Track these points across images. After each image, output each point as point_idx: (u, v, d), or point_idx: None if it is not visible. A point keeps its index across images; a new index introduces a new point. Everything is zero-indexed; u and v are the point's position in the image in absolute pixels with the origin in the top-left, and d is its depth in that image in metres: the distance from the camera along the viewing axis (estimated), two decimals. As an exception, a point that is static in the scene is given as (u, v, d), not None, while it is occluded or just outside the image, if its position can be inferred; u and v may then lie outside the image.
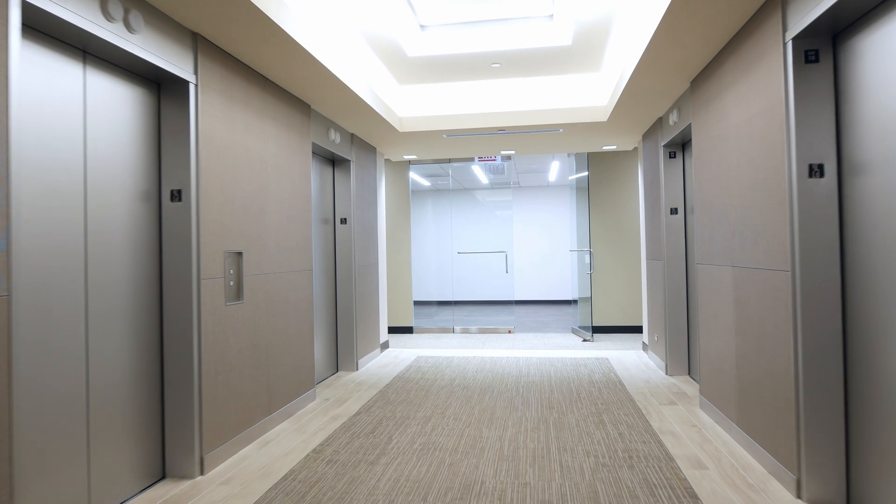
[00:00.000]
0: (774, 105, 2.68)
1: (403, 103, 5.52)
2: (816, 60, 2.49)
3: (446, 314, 9.23)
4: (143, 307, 2.78)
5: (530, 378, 5.04)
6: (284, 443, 3.44)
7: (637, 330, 7.46)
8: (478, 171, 8.92)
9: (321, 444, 3.38)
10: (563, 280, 11.82)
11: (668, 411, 3.96)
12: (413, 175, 8.84)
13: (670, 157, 5.04)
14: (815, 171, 2.48)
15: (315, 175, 5.06)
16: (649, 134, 5.56)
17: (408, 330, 8.02)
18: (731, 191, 3.29)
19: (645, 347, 6.06)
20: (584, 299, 7.50)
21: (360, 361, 5.58)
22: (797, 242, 2.50)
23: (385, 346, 6.62)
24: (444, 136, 5.77)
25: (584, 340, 7.00)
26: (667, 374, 5.05)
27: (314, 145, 4.73)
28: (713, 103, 3.56)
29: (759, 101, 2.85)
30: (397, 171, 8.04)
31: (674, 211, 5.03)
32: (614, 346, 6.62)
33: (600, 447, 3.24)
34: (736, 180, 3.21)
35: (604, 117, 5.22)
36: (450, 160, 7.95)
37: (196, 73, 2.94)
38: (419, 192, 10.61)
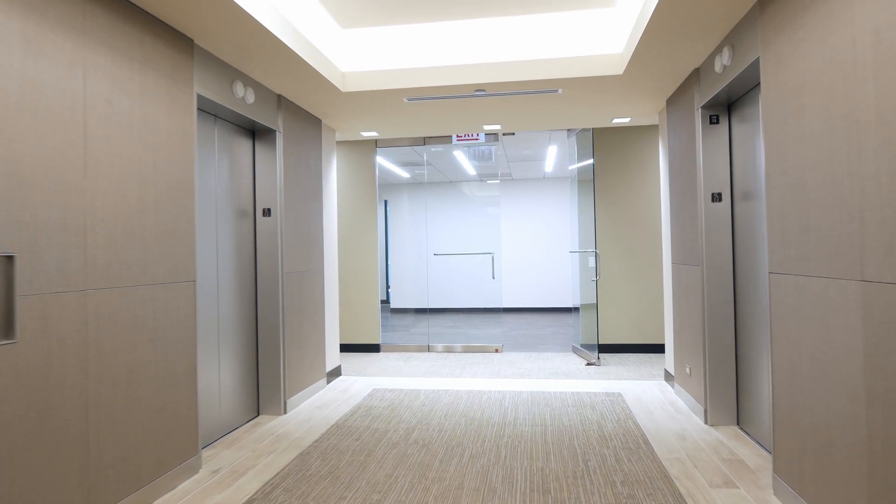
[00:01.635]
0: None
1: (348, 53, 4.11)
2: None
3: (422, 327, 7.81)
4: None
5: (518, 428, 3.63)
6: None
7: (654, 350, 6.06)
8: (461, 158, 7.52)
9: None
10: (561, 285, 10.42)
11: (726, 502, 2.55)
12: (383, 161, 7.43)
13: (712, 122, 3.64)
14: None
15: (219, 147, 3.65)
16: (679, 95, 4.16)
17: (373, 348, 6.61)
18: (859, 149, 1.89)
19: (669, 378, 4.66)
20: (587, 309, 6.10)
21: (290, 401, 4.17)
22: None
23: (335, 373, 5.20)
24: (405, 99, 4.36)
25: (589, 364, 5.59)
26: (707, 422, 3.65)
27: (207, 101, 3.31)
28: (810, 13, 2.16)
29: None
30: (360, 155, 6.63)
31: (716, 197, 3.63)
32: (627, 372, 5.22)
33: None
34: (874, 129, 1.81)
35: (618, 69, 3.82)
36: (424, 141, 6.54)
37: None
38: (396, 184, 9.21)
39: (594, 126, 5.68)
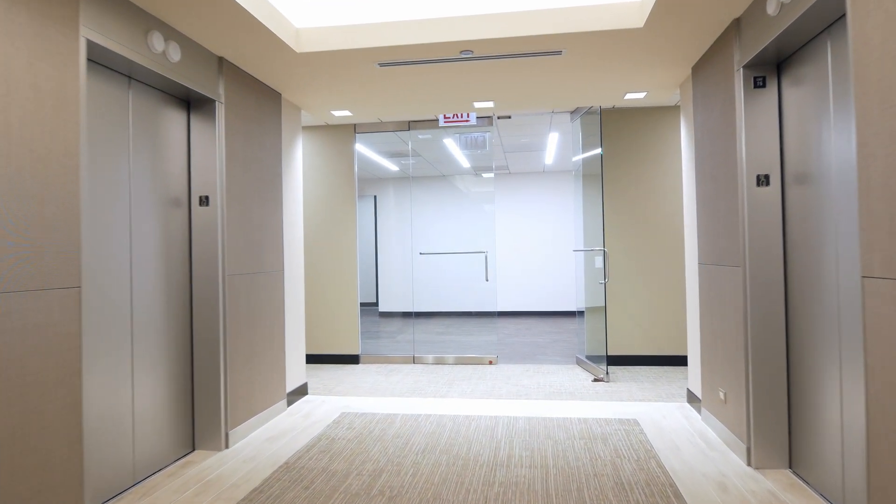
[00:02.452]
0: None
1: (304, 5, 3.35)
2: None
3: (408, 334, 7.07)
4: None
5: (512, 471, 2.88)
6: None
7: (671, 363, 5.31)
8: (452, 146, 6.76)
9: None
10: (563, 288, 9.66)
11: None
12: (365, 150, 6.68)
13: (756, 85, 2.89)
14: None
15: (135, 116, 2.89)
16: (712, 57, 3.40)
17: (352, 360, 5.85)
18: None
19: (693, 400, 3.91)
20: (594, 314, 5.35)
21: (234, 431, 3.41)
22: None
23: (299, 392, 4.45)
24: (377, 65, 3.60)
25: (597, 380, 4.84)
26: (750, 463, 2.90)
27: (109, 54, 2.55)
28: None
29: None
30: (337, 142, 5.88)
31: (762, 181, 2.89)
32: (641, 391, 4.46)
33: None
34: None
35: (637, 21, 3.07)
36: (409, 126, 5.79)
37: None
38: (384, 179, 8.47)
39: (603, 104, 4.94)
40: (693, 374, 3.94)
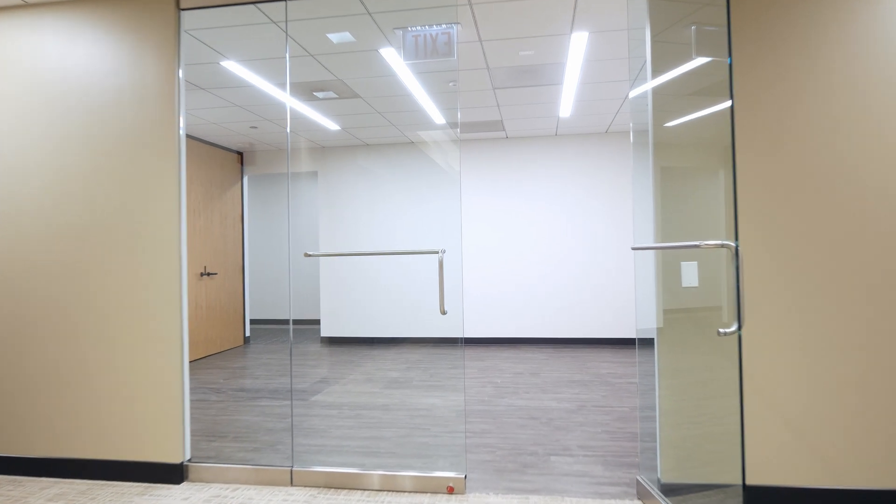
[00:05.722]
0: None
1: None
2: None
3: (307, 402, 4.09)
4: None
5: None
6: None
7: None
8: (391, 55, 3.73)
9: None
10: (592, 300, 6.60)
11: None
12: (200, 42, 3.65)
13: None
14: None
15: None
16: None
17: (168, 476, 2.81)
18: None
19: None
20: (683, 377, 2.30)
21: None
22: None
23: None
24: None
25: None
26: None
27: None
28: None
29: None
30: (138, 27, 2.85)
31: None
32: None
33: None
34: None
35: None
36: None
37: None
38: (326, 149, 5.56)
39: None
40: None
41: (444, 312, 2.50)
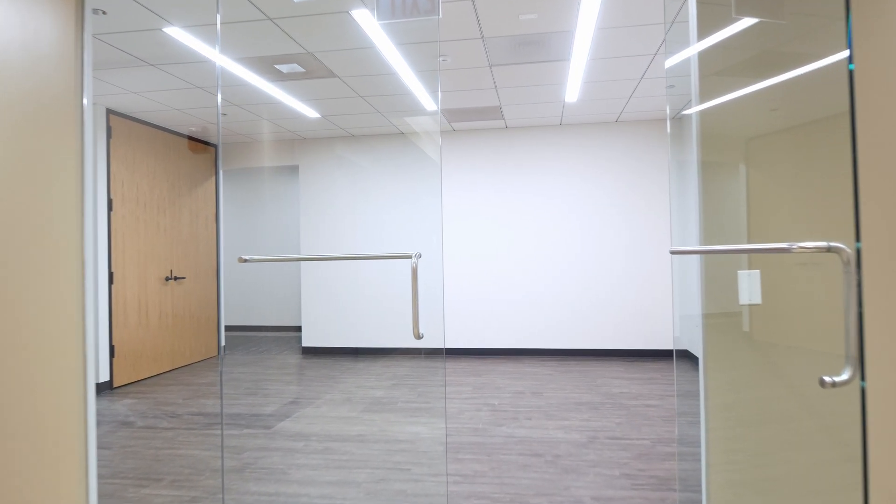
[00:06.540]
0: None
1: None
2: None
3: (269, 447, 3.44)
4: None
5: None
6: None
7: None
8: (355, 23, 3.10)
9: None
10: (604, 306, 5.96)
11: None
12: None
13: None
14: None
15: None
16: None
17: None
18: None
19: None
20: (725, 381, 1.66)
21: None
22: None
23: None
24: None
25: None
26: None
27: None
28: None
29: None
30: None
31: None
32: None
33: None
34: None
35: None
36: None
37: None
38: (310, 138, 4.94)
39: None
40: None
41: (418, 336, 1.88)
